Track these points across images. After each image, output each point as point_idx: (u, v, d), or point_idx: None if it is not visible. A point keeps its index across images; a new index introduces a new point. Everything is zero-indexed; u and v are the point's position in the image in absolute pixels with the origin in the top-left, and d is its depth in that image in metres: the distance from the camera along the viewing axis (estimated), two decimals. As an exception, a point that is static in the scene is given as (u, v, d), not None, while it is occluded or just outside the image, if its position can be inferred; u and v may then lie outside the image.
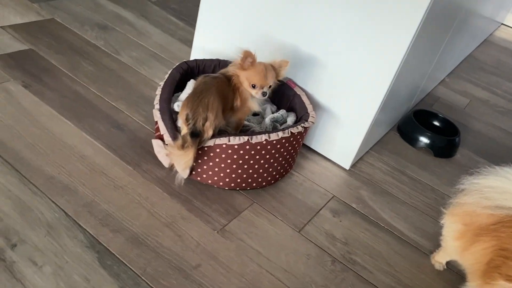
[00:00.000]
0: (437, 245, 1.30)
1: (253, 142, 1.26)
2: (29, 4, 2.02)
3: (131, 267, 1.04)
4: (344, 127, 1.53)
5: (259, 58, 1.33)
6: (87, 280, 0.99)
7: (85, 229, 1.10)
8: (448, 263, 1.28)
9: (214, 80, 1.29)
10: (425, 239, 1.38)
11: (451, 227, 1.19)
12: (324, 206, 1.40)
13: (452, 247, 1.19)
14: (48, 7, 2.05)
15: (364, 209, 1.43)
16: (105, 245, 1.08)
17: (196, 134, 1.19)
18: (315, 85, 1.53)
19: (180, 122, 1.26)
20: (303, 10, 1.44)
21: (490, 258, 1.04)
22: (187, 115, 1.21)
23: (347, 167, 1.58)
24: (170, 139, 1.24)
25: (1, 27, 1.80)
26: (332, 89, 1.50)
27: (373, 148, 1.75)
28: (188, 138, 1.19)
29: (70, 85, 1.59)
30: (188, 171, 1.23)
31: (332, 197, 1.45)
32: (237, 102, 1.34)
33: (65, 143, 1.34)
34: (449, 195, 1.50)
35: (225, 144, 1.24)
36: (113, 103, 1.57)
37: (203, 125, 1.19)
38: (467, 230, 1.13)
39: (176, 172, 1.23)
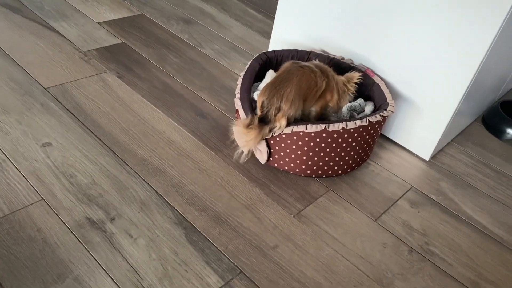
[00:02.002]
0: (524, 241, 1.24)
1: (330, 130, 1.28)
2: (122, 1, 2.19)
3: (214, 244, 1.12)
4: (425, 117, 1.49)
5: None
6: (175, 253, 1.08)
7: (174, 207, 1.20)
8: (536, 260, 1.22)
9: (299, 70, 1.32)
10: (510, 234, 1.32)
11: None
12: (402, 196, 1.39)
13: (541, 244, 1.13)
14: (138, 4, 2.21)
15: (444, 201, 1.40)
16: (191, 222, 1.17)
17: (264, 121, 1.25)
18: (395, 74, 1.51)
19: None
20: (384, -2, 1.42)
21: None
22: (262, 102, 1.27)
23: (427, 158, 1.55)
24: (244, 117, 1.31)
25: (98, 23, 1.97)
26: (413, 78, 1.47)
27: (455, 139, 1.69)
28: (256, 120, 1.25)
29: (158, 76, 1.72)
30: (247, 150, 1.30)
31: (411, 188, 1.43)
32: (334, 95, 1.40)
33: (155, 129, 1.45)
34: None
35: (302, 131, 1.27)
36: (197, 93, 1.66)
37: (275, 114, 1.24)
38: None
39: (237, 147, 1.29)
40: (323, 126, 1.27)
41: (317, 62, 1.43)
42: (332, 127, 1.28)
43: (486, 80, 1.54)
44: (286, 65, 1.37)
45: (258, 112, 1.30)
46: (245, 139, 1.29)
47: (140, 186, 1.24)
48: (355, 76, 1.43)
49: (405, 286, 1.12)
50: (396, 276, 1.14)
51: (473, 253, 1.24)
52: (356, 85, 1.44)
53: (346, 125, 1.29)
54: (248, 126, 1.26)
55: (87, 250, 1.05)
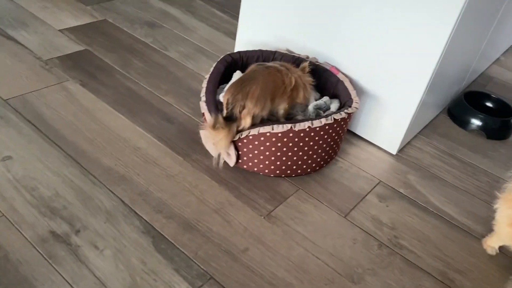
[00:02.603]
0: (489, 229, 1.27)
1: (297, 130, 1.28)
2: (84, 7, 2.14)
3: (183, 251, 1.11)
4: (390, 112, 1.51)
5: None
6: (143, 262, 1.06)
7: (141, 216, 1.18)
8: (501, 247, 1.25)
9: (265, 70, 1.33)
10: (477, 223, 1.35)
11: (505, 212, 1.16)
12: (370, 191, 1.40)
13: (505, 233, 1.16)
14: (100, 9, 2.17)
15: (412, 194, 1.42)
16: (159, 230, 1.15)
17: (230, 119, 1.24)
18: (359, 71, 1.52)
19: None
20: (344, -5, 1.43)
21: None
22: (227, 100, 1.27)
23: (394, 152, 1.57)
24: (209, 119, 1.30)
25: (59, 30, 1.93)
26: (376, 73, 1.49)
27: (421, 132, 1.72)
28: (221, 119, 1.24)
29: (123, 81, 1.69)
30: (217, 152, 1.31)
31: (379, 182, 1.44)
32: (300, 91, 1.41)
33: (121, 137, 1.43)
34: (503, 178, 1.46)
35: (269, 132, 1.27)
36: (163, 97, 1.64)
37: (240, 112, 1.24)
38: (521, 215, 1.10)
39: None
40: (289, 126, 1.27)
41: (281, 62, 1.43)
42: (299, 126, 1.28)
43: (448, 71, 1.56)
44: (252, 66, 1.38)
45: (224, 111, 1.29)
46: (214, 140, 1.28)
47: (106, 196, 1.21)
48: (305, 65, 1.44)
49: (376, 281, 1.13)
50: (366, 271, 1.15)
51: (441, 244, 1.27)
52: (309, 74, 1.44)
53: (312, 124, 1.29)
54: (214, 126, 1.25)
55: (52, 265, 1.03)
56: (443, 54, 1.34)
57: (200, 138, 1.41)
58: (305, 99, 1.43)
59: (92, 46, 1.86)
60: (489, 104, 1.90)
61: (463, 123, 1.79)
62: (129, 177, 1.29)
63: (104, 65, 1.76)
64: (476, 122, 1.76)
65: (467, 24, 1.37)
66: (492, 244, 1.26)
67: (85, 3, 2.18)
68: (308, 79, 1.44)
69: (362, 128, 1.61)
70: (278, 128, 1.27)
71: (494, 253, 1.26)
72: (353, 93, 1.46)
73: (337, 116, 1.33)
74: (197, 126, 1.52)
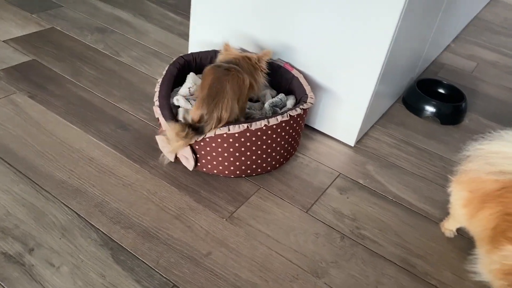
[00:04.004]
0: (446, 213, 1.30)
1: (253, 129, 1.27)
2: (29, 16, 2.07)
3: (144, 261, 1.08)
4: (345, 104, 1.53)
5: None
6: (102, 276, 1.03)
7: (98, 228, 1.14)
8: (458, 229, 1.28)
9: (227, 75, 1.27)
10: (435, 207, 1.39)
11: (458, 194, 1.19)
12: (330, 184, 1.41)
13: (460, 215, 1.19)
14: (47, 17, 2.09)
15: (371, 184, 1.44)
16: (117, 241, 1.12)
17: (198, 131, 1.23)
18: (312, 66, 1.53)
19: (182, 116, 1.29)
20: (292, -8, 1.44)
21: (496, 224, 1.04)
22: (202, 115, 1.24)
23: (352, 144, 1.59)
24: (167, 124, 1.27)
25: (3, 41, 1.85)
26: (329, 68, 1.50)
27: (378, 122, 1.75)
28: (190, 132, 1.23)
29: (74, 91, 1.64)
30: (173, 157, 1.32)
31: (338, 175, 1.46)
32: (258, 86, 1.40)
33: (73, 148, 1.38)
34: (458, 162, 1.50)
35: (226, 133, 1.26)
36: (117, 104, 1.60)
37: (216, 126, 1.24)
38: (474, 197, 1.13)
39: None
40: (245, 125, 1.26)
41: (235, 52, 1.41)
42: (255, 125, 1.27)
43: (399, 60, 1.59)
44: (210, 71, 1.30)
45: (191, 120, 1.27)
46: (172, 147, 1.26)
47: (60, 211, 1.17)
48: (268, 54, 1.41)
49: (340, 273, 1.14)
50: (330, 264, 1.16)
51: (401, 231, 1.29)
52: (267, 64, 1.42)
53: (268, 122, 1.29)
54: (183, 135, 1.22)
55: (5, 288, 0.98)
56: (392, 43, 1.36)
57: (157, 143, 1.38)
58: (258, 88, 1.41)
59: (39, 56, 1.80)
60: (441, 91, 1.96)
61: (418, 111, 1.83)
62: (84, 189, 1.25)
63: (53, 75, 1.70)
64: (429, 109, 1.81)
65: (413, 12, 1.40)
66: (449, 227, 1.29)
67: (30, 11, 2.10)
68: (262, 65, 1.40)
69: (320, 122, 1.62)
70: (235, 129, 1.26)
71: (452, 236, 1.30)
72: (307, 88, 1.46)
73: (293, 113, 1.33)
74: (153, 132, 1.49)
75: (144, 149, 1.42)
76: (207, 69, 1.32)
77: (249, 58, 1.37)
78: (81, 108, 1.55)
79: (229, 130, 1.25)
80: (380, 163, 1.53)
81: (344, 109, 1.54)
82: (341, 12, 1.38)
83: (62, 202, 1.20)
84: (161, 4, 2.41)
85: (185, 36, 2.12)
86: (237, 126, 1.25)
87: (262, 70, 1.39)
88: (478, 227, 1.11)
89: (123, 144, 1.43)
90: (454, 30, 2.53)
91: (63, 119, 1.49)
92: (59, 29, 2.01)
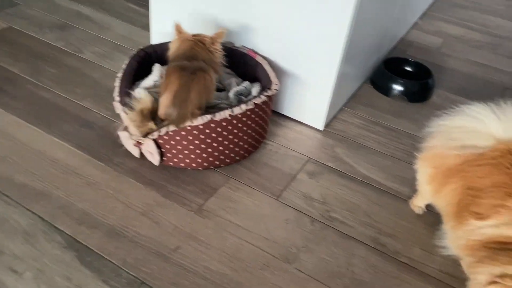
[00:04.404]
0: (415, 190, 1.31)
1: (218, 119, 1.26)
2: (-16, 16, 2.00)
3: (111, 260, 1.07)
4: (311, 88, 1.52)
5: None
6: (68, 279, 1.01)
7: (62, 230, 1.12)
8: (427, 205, 1.30)
9: (193, 82, 1.25)
10: (404, 185, 1.40)
11: (423, 171, 1.20)
12: (300, 170, 1.41)
13: (426, 191, 1.20)
14: (4, 16, 2.03)
15: (340, 166, 1.44)
16: (83, 242, 1.10)
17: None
18: (275, 51, 1.52)
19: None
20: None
21: (459, 199, 1.05)
22: (168, 115, 1.23)
23: (321, 128, 1.58)
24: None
25: (-42, 44, 1.78)
26: (292, 52, 1.48)
27: (347, 104, 1.75)
28: (154, 126, 1.22)
29: (35, 91, 1.59)
30: (138, 151, 1.31)
31: (308, 159, 1.45)
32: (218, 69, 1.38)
33: (35, 150, 1.35)
34: (424, 138, 1.51)
35: (189, 126, 1.24)
36: (80, 103, 1.57)
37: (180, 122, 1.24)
38: (437, 173, 1.14)
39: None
40: (209, 116, 1.24)
41: (187, 36, 1.37)
42: (219, 115, 1.26)
43: (363, 40, 1.59)
44: (175, 74, 1.25)
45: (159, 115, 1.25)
46: (133, 137, 1.26)
47: (22, 215, 1.14)
48: (220, 35, 1.37)
49: (311, 258, 1.14)
50: (301, 249, 1.16)
51: (371, 211, 1.30)
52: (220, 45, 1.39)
53: (233, 111, 1.27)
54: (139, 123, 1.22)
55: (-34, 298, 0.96)
56: (352, 23, 1.35)
57: (121, 140, 1.36)
58: (218, 71, 1.39)
59: (-3, 57, 1.74)
60: (408, 69, 1.96)
61: (385, 90, 1.83)
62: (47, 191, 1.22)
63: (12, 76, 1.65)
64: (397, 88, 1.81)
65: None
66: (418, 203, 1.30)
67: (-14, 11, 2.03)
68: (217, 47, 1.38)
69: (288, 108, 1.61)
70: (198, 121, 1.24)
71: (421, 212, 1.31)
72: (272, 75, 1.45)
73: (257, 100, 1.32)
74: (118, 128, 1.46)
75: (109, 146, 1.39)
76: (172, 70, 1.27)
77: (203, 43, 1.35)
78: (42, 109, 1.51)
79: (192, 122, 1.23)
80: (349, 145, 1.54)
81: (310, 94, 1.53)
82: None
83: (24, 207, 1.17)
84: (123, -4, 2.35)
85: (148, 28, 2.07)
86: (200, 118, 1.23)
87: (217, 52, 1.37)
88: (443, 203, 1.12)
89: (87, 143, 1.40)
90: (421, 7, 2.54)
91: (24, 121, 1.45)
92: (17, 28, 1.95)
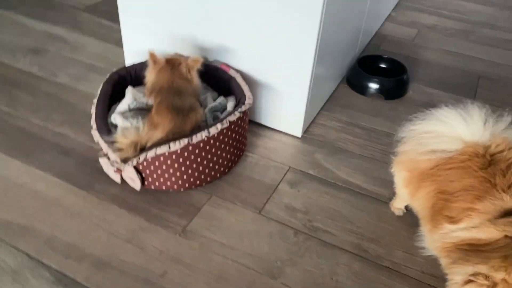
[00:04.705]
0: (395, 192, 1.33)
1: (195, 142, 1.27)
2: (-45, 46, 1.98)
3: (99, 292, 1.08)
4: (286, 97, 1.54)
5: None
6: (58, 315, 1.03)
7: (49, 266, 1.13)
8: (406, 206, 1.32)
9: (187, 123, 1.29)
10: (384, 187, 1.42)
11: (399, 174, 1.23)
12: (281, 180, 1.43)
13: (403, 194, 1.23)
14: (-25, 44, 2.01)
15: (320, 173, 1.46)
16: (71, 276, 1.11)
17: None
18: (247, 63, 1.53)
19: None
20: (214, -7, 1.42)
21: (433, 202, 1.08)
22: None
23: (299, 135, 1.60)
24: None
25: None
26: (264, 63, 1.50)
27: (324, 107, 1.76)
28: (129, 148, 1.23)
29: (11, 122, 1.59)
30: (119, 177, 1.33)
31: (289, 168, 1.47)
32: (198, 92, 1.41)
33: (16, 184, 1.35)
34: (398, 141, 1.53)
35: (167, 152, 1.25)
36: (57, 130, 1.57)
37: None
38: (412, 177, 1.16)
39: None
40: (186, 140, 1.25)
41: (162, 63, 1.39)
42: (196, 138, 1.27)
43: (335, 40, 1.59)
44: (166, 113, 1.28)
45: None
46: (118, 164, 1.26)
47: (8, 254, 1.15)
48: (197, 62, 1.38)
49: (295, 271, 1.17)
50: (285, 263, 1.18)
51: (353, 217, 1.32)
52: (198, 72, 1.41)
53: (209, 132, 1.28)
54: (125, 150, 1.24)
55: None
56: (321, 29, 1.35)
57: (101, 166, 1.37)
58: (197, 92, 1.41)
59: (-29, 89, 1.73)
60: (383, 65, 1.98)
61: (362, 90, 1.85)
62: (31, 226, 1.23)
63: (-13, 107, 1.65)
64: (373, 86, 1.83)
65: None
66: (397, 205, 1.33)
67: (-44, 41, 2.01)
68: (193, 74, 1.39)
69: (265, 117, 1.62)
70: (175, 146, 1.25)
71: (401, 214, 1.34)
72: (245, 88, 1.46)
73: (232, 118, 1.33)
74: (97, 154, 1.46)
75: (89, 173, 1.40)
76: (164, 108, 1.28)
77: (180, 73, 1.36)
78: (20, 140, 1.51)
79: (169, 148, 1.24)
80: (328, 149, 1.56)
81: (286, 103, 1.54)
82: (260, 3, 1.36)
83: (9, 244, 1.18)
84: (94, 12, 2.34)
85: (122, 44, 2.07)
86: (177, 142, 1.24)
87: (194, 79, 1.38)
88: (418, 206, 1.15)
89: (67, 172, 1.40)
90: (393, -1, 2.55)
91: (3, 154, 1.45)
92: (-11, 56, 1.94)
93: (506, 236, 0.94)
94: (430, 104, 1.79)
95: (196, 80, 1.38)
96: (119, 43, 2.08)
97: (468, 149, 1.05)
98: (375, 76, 1.83)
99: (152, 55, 1.36)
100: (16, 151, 1.47)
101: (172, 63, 1.36)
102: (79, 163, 1.44)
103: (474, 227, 0.98)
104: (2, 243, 1.18)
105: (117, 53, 2.02)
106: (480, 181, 1.01)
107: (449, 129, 1.09)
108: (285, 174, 1.45)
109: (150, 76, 1.38)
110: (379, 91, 1.82)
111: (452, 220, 1.02)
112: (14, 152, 1.46)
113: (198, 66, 1.38)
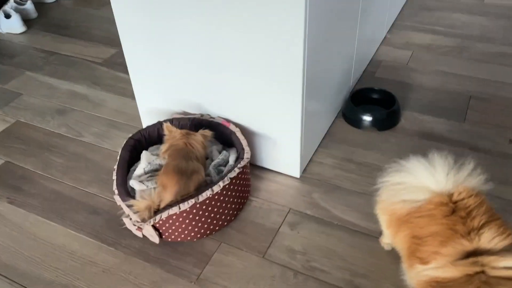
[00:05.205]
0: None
1: (201, 201, 1.46)
2: (-7, 114, 2.25)
3: None
4: (281, 143, 1.69)
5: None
6: None
7: (88, 320, 1.35)
8: (394, 241, 1.47)
9: (189, 183, 1.49)
10: (376, 223, 1.55)
11: (381, 217, 1.38)
12: (282, 222, 1.61)
13: (386, 234, 1.39)
14: (10, 110, 2.27)
15: (317, 212, 1.63)
16: (106, 328, 1.33)
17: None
18: (244, 116, 1.70)
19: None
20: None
21: (408, 245, 1.23)
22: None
23: (298, 175, 1.77)
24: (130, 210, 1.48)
25: (-24, 149, 2.04)
26: (257, 114, 1.65)
27: (321, 143, 1.92)
28: (148, 212, 1.45)
29: (47, 185, 1.83)
30: (141, 233, 1.53)
31: (289, 210, 1.65)
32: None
33: (56, 245, 1.58)
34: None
35: (177, 212, 1.45)
36: (86, 190, 1.80)
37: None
38: (392, 220, 1.32)
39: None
40: (193, 200, 1.45)
41: (178, 136, 1.60)
42: (201, 197, 1.46)
43: (323, 71, 1.67)
44: (173, 175, 1.48)
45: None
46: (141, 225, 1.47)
47: (54, 311, 1.38)
48: (207, 136, 1.63)
49: (295, 310, 1.34)
50: (286, 303, 1.36)
51: (346, 254, 1.49)
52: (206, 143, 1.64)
53: (213, 191, 1.47)
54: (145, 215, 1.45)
55: None
56: (305, 61, 1.43)
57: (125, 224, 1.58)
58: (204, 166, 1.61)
59: (11, 156, 1.98)
60: (376, 97, 2.12)
61: (356, 123, 2.00)
62: (71, 285, 1.45)
63: (27, 173, 1.90)
64: (367, 119, 1.97)
65: (321, 18, 1.46)
66: (385, 240, 1.49)
67: (-6, 109, 2.28)
68: (203, 146, 1.62)
69: (266, 161, 1.79)
70: (185, 205, 1.44)
71: (390, 248, 1.49)
72: (244, 143, 1.64)
73: (232, 175, 1.52)
74: (121, 212, 1.68)
75: (116, 230, 1.62)
76: (171, 170, 1.49)
77: (190, 143, 1.59)
78: (56, 202, 1.75)
79: (180, 208, 1.44)
80: (325, 188, 1.72)
81: (282, 148, 1.71)
82: (245, 52, 1.50)
83: (54, 303, 1.41)
84: (111, 65, 2.57)
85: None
86: (186, 203, 1.44)
87: (203, 147, 1.60)
88: (398, 246, 1.31)
89: (96, 230, 1.63)
90: (388, 20, 2.64)
91: (43, 217, 1.69)
92: (23, 121, 2.19)
93: (466, 275, 1.09)
94: (421, 133, 1.93)
95: (204, 149, 1.60)
96: (134, 96, 2.30)
97: (434, 198, 1.20)
98: (367, 109, 1.97)
99: (168, 127, 1.61)
100: (53, 214, 1.70)
101: (185, 134, 1.58)
102: (106, 221, 1.66)
103: (440, 267, 1.14)
104: (48, 302, 1.41)
105: (134, 106, 2.23)
106: (444, 228, 1.16)
107: (416, 180, 1.24)
108: (286, 216, 1.63)
109: (165, 145, 1.61)
110: (372, 123, 1.97)
111: (423, 261, 1.17)
112: (51, 214, 1.70)
113: (208, 138, 1.61)
